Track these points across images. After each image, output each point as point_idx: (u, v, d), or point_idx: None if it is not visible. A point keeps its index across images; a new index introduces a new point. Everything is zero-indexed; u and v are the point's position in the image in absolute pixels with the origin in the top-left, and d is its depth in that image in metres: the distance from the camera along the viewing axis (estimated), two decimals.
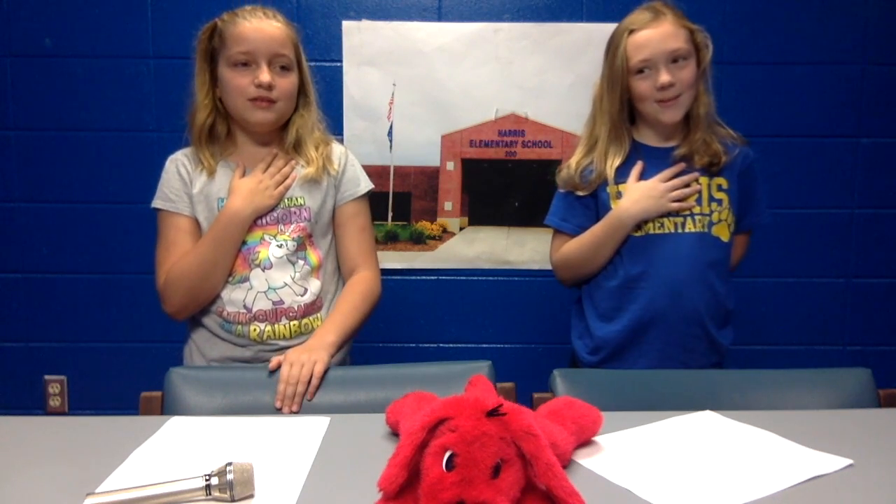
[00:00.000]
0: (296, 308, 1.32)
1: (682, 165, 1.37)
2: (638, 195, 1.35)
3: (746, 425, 0.94)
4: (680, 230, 1.36)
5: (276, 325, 1.31)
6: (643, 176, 1.38)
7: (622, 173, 1.38)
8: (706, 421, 0.97)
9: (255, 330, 1.31)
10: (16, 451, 0.87)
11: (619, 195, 1.38)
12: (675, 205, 1.34)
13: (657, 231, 1.36)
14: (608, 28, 2.05)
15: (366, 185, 1.42)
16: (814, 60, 2.11)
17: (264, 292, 1.31)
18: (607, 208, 1.39)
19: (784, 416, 0.98)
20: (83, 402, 2.23)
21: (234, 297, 1.31)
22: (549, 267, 2.15)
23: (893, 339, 2.21)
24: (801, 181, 2.15)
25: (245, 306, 1.31)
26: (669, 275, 1.35)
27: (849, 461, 0.82)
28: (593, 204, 1.42)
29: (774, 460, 0.83)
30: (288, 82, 1.31)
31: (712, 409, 1.00)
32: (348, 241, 1.39)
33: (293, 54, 1.32)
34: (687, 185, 1.36)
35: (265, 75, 1.26)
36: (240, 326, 1.31)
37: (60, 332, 2.21)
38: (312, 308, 1.34)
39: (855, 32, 2.10)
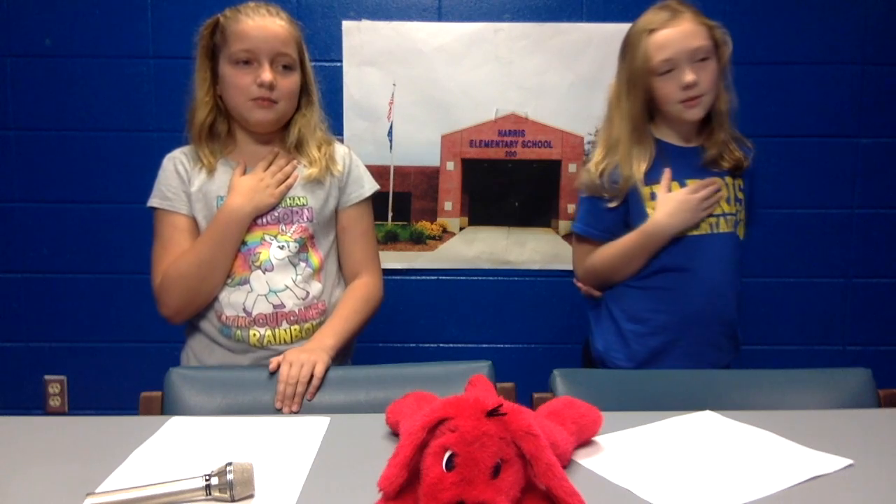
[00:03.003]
0: (297, 312, 1.29)
1: (711, 180, 1.35)
2: (673, 208, 1.32)
3: (746, 425, 0.94)
4: (715, 230, 1.36)
5: (276, 330, 1.28)
6: (679, 173, 1.36)
7: (648, 175, 1.36)
8: (706, 421, 0.97)
9: (254, 335, 1.28)
10: (16, 451, 0.87)
11: (652, 196, 1.35)
12: (707, 212, 1.34)
13: (692, 233, 1.35)
14: (608, 28, 2.08)
15: (370, 186, 1.39)
16: (814, 60, 2.11)
17: (265, 295, 1.28)
18: (640, 211, 1.36)
19: (784, 416, 0.98)
20: (83, 402, 2.23)
21: (233, 300, 1.28)
22: (548, 267, 2.18)
23: (893, 339, 2.21)
24: (801, 181, 2.15)
25: (245, 310, 1.27)
26: (708, 275, 1.34)
27: (849, 461, 0.82)
28: (623, 208, 1.38)
29: (774, 460, 0.83)
30: (290, 82, 1.28)
31: (712, 409, 1.00)
32: (351, 245, 1.37)
33: (296, 53, 1.29)
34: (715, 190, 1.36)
35: (267, 74, 1.24)
36: (239, 331, 1.28)
37: (60, 332, 2.21)
38: (314, 311, 1.31)
39: (855, 32, 2.10)
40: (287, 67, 1.27)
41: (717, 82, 1.33)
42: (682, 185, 1.36)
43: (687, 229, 1.34)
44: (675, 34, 1.30)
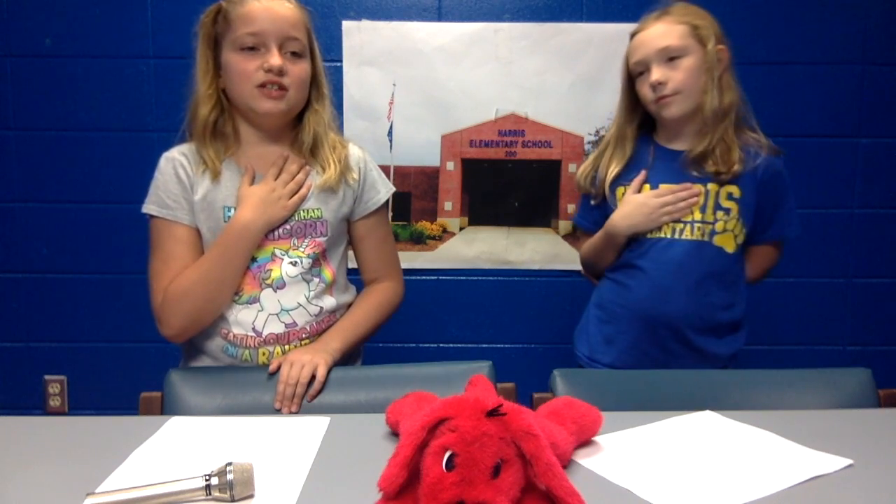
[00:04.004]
0: (308, 329, 1.22)
1: (686, 186, 1.34)
2: (629, 209, 1.36)
3: (746, 425, 0.94)
4: (677, 237, 1.35)
5: (286, 347, 1.21)
6: (657, 175, 1.37)
7: (626, 176, 1.39)
8: (706, 421, 0.97)
9: (264, 353, 1.20)
10: (16, 451, 0.87)
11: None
12: (667, 218, 1.34)
13: (652, 236, 1.36)
14: (608, 28, 2.08)
15: (386, 190, 1.31)
16: (814, 60, 2.11)
17: (276, 314, 1.20)
18: (612, 210, 1.41)
19: (784, 416, 0.98)
20: (83, 402, 2.23)
21: (241, 319, 1.19)
22: (548, 267, 2.19)
23: (893, 339, 2.21)
24: (801, 181, 2.13)
25: (254, 329, 1.19)
26: (654, 278, 1.36)
27: (849, 461, 0.82)
28: (604, 205, 1.45)
29: (774, 460, 0.83)
30: (300, 69, 1.18)
31: (712, 409, 1.00)
32: (371, 253, 1.31)
33: (306, 39, 1.19)
34: (685, 196, 1.35)
35: (275, 59, 1.14)
36: (247, 351, 1.20)
37: (60, 332, 2.21)
38: (325, 325, 1.25)
39: (855, 32, 2.10)
40: (297, 54, 1.18)
41: (696, 81, 1.31)
42: (654, 187, 1.37)
43: (646, 231, 1.36)
44: (646, 36, 1.33)
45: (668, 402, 1.05)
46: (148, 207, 1.20)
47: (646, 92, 1.34)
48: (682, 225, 1.35)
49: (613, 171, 1.40)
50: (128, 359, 2.20)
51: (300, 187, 1.21)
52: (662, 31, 1.31)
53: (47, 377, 2.22)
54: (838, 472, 0.80)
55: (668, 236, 1.35)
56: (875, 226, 2.17)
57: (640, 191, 1.38)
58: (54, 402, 2.23)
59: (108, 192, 2.15)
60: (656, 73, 1.30)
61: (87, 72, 2.11)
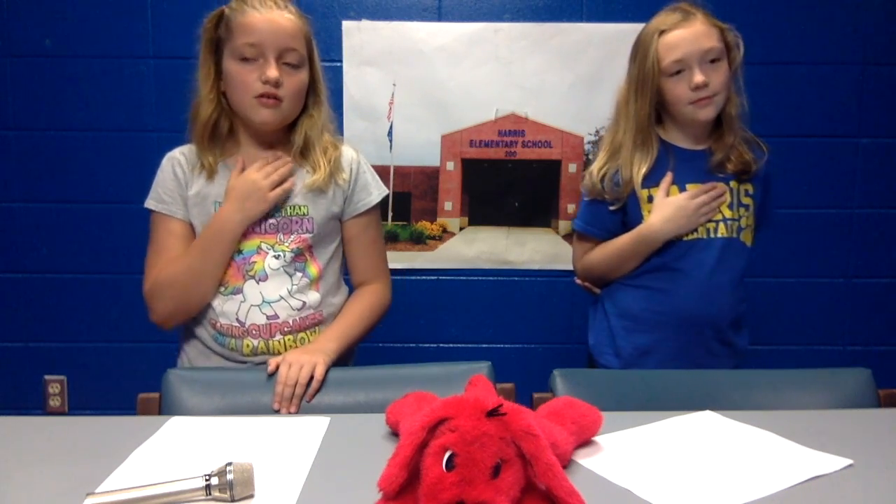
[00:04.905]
0: (291, 322, 1.25)
1: (713, 185, 1.35)
2: (669, 213, 1.33)
3: (746, 425, 0.94)
4: (712, 235, 1.35)
5: (269, 341, 1.24)
6: (681, 176, 1.36)
7: (651, 178, 1.36)
8: (706, 421, 0.97)
9: (248, 345, 1.24)
10: (16, 451, 0.87)
11: (649, 199, 1.36)
12: (704, 218, 1.34)
13: (689, 237, 1.35)
14: (608, 28, 2.09)
15: (378, 193, 1.34)
16: (814, 60, 2.11)
17: (258, 306, 1.24)
18: (637, 213, 1.37)
19: (784, 416, 0.98)
20: (83, 402, 2.23)
21: (226, 309, 1.24)
22: (548, 267, 2.19)
23: (893, 339, 2.21)
24: (801, 181, 2.15)
25: (238, 319, 1.24)
26: (698, 279, 1.34)
27: (849, 461, 0.82)
28: (620, 210, 1.39)
29: (774, 460, 0.83)
30: (296, 80, 1.22)
31: (712, 409, 1.00)
32: (360, 255, 1.34)
33: (304, 49, 1.23)
34: (715, 195, 1.35)
35: (273, 71, 1.17)
36: (233, 340, 1.24)
37: (60, 332, 2.21)
38: (310, 322, 1.27)
39: (855, 32, 2.10)
40: (294, 66, 1.21)
41: (728, 84, 1.32)
42: (682, 188, 1.36)
43: (684, 233, 1.34)
44: (686, 35, 1.29)
45: (668, 402, 1.05)
46: (148, 202, 1.28)
47: (681, 92, 1.31)
48: (713, 224, 1.35)
49: (641, 172, 1.35)
50: (128, 359, 2.20)
51: (283, 180, 1.24)
52: (704, 32, 1.29)
53: (47, 377, 2.22)
54: (838, 472, 0.80)
55: (705, 236, 1.35)
56: (875, 226, 2.17)
57: (668, 193, 1.35)
58: (54, 402, 2.23)
59: (108, 192, 2.15)
60: (700, 75, 1.28)
61: (87, 72, 2.11)
